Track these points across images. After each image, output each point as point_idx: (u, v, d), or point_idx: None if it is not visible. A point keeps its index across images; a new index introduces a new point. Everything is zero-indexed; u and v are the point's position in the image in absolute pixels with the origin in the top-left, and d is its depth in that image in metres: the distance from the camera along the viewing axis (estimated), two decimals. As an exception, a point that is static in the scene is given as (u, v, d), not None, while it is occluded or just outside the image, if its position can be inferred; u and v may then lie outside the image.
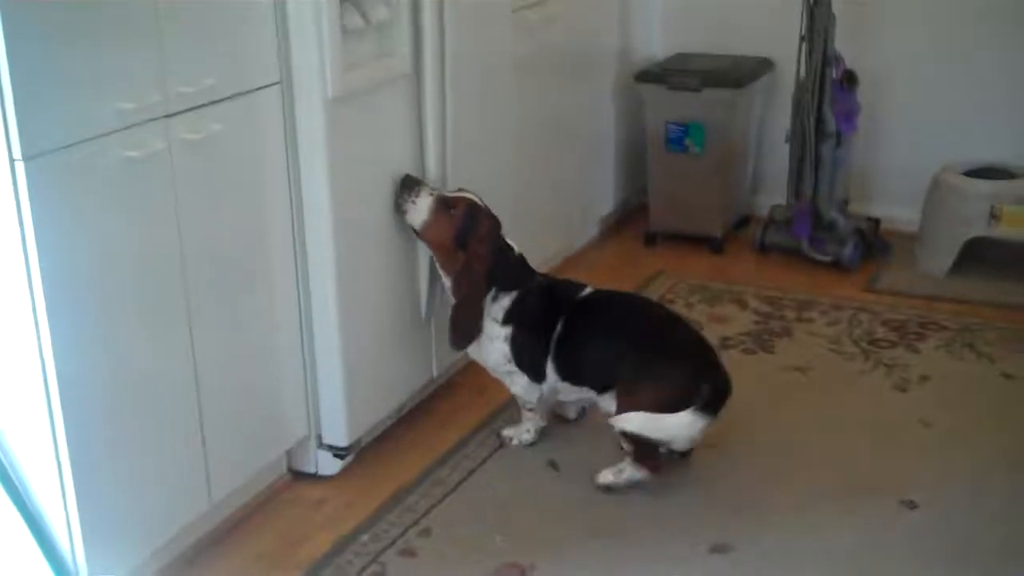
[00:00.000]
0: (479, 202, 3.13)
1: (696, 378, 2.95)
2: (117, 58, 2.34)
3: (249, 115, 2.71)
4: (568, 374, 3.13)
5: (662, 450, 3.03)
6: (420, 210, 3.08)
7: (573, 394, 3.20)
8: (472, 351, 3.24)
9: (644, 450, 2.99)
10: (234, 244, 2.73)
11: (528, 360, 3.15)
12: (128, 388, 2.47)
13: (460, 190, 3.16)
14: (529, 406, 3.25)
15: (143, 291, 2.48)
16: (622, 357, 3.02)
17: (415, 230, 3.11)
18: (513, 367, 3.17)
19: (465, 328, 3.14)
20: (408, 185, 3.09)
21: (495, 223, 3.15)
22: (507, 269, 3.15)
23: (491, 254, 3.10)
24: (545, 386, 3.18)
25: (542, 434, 3.27)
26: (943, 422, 3.34)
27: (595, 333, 3.11)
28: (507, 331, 3.13)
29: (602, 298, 3.21)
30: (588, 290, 3.20)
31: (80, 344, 2.33)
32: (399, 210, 3.10)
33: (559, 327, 3.11)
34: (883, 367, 3.66)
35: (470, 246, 3.08)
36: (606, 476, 3.05)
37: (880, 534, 2.85)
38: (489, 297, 3.13)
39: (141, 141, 2.39)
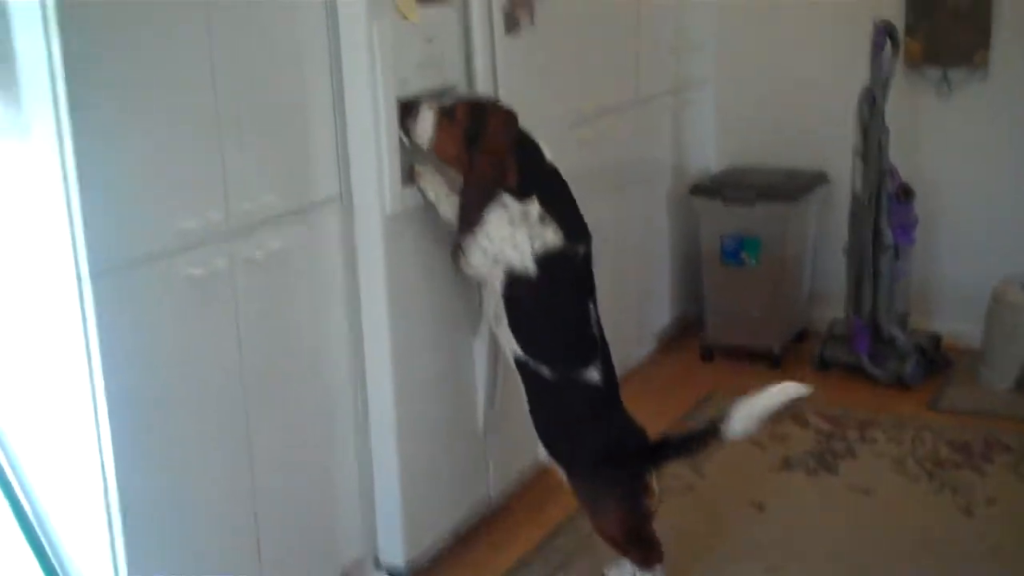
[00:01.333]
0: (484, 99, 2.83)
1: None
2: (181, 176, 2.37)
3: (309, 232, 2.73)
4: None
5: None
6: (425, 128, 2.79)
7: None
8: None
9: (640, 547, 2.91)
10: (293, 360, 2.72)
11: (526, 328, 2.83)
12: (187, 502, 2.46)
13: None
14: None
15: (204, 408, 2.48)
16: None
17: (429, 150, 2.82)
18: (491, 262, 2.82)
19: (466, 215, 2.78)
20: (407, 108, 2.80)
21: (507, 115, 2.82)
22: (535, 169, 2.81)
23: (509, 150, 2.78)
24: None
25: (594, 548, 3.16)
26: (1011, 548, 3.23)
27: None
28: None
29: None
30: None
31: (141, 459, 2.33)
32: (406, 135, 2.81)
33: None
34: (948, 489, 3.56)
35: (480, 145, 2.75)
36: None
37: (954, 666, 2.76)
38: (510, 200, 2.77)
39: (204, 260, 2.41)
